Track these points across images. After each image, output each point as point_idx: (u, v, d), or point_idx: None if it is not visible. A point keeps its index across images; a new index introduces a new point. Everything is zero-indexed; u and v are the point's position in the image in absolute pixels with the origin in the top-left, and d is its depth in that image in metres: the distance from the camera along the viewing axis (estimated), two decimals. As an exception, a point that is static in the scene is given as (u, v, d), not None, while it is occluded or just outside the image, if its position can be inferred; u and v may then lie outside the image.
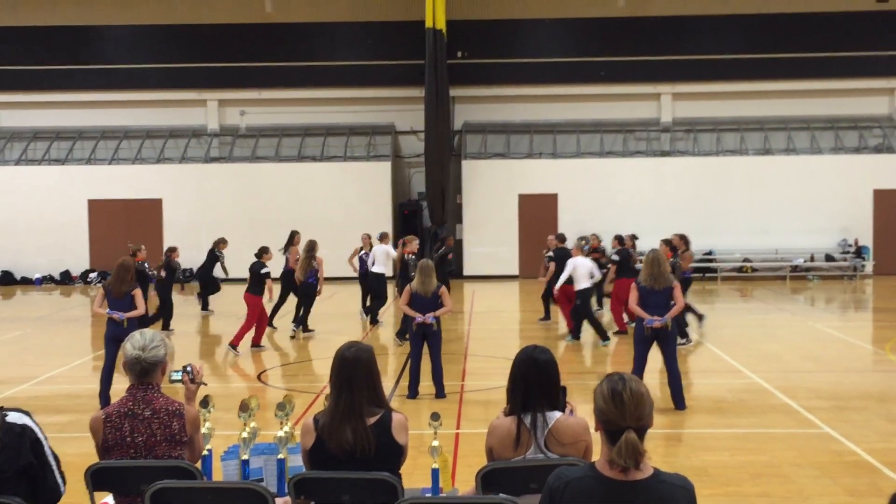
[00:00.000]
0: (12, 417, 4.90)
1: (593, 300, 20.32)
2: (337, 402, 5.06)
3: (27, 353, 17.95)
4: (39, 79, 35.00)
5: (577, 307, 18.01)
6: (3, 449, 4.75)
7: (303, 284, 19.20)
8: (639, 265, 19.63)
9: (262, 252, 17.98)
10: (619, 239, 20.12)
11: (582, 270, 17.84)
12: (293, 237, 20.66)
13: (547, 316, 20.57)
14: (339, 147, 34.41)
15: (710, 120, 34.54)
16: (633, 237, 21.71)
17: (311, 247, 19.14)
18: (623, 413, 3.72)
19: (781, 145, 33.90)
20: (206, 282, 23.22)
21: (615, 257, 19.45)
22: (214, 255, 22.62)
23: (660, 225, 31.83)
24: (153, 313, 20.19)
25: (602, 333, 17.80)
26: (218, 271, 23.02)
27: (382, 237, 21.43)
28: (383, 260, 20.75)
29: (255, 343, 17.71)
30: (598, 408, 3.81)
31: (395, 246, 21.01)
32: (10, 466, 4.77)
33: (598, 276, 18.20)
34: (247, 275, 17.67)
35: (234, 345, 17.24)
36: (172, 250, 20.96)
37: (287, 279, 20.25)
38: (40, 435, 4.96)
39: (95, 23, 35.19)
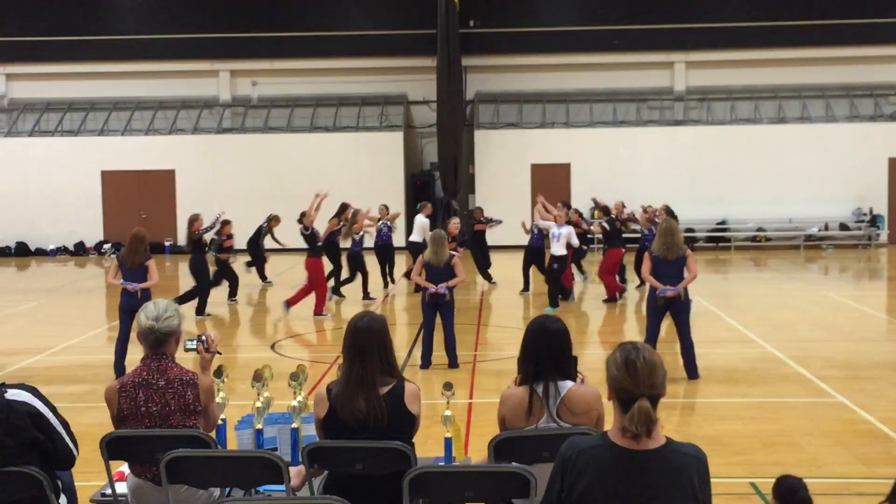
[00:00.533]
0: (11, 394, 4.95)
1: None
2: (350, 371, 5.07)
3: (42, 324, 18.05)
4: (52, 50, 34.98)
5: (555, 271, 18.12)
6: (4, 425, 4.80)
7: (349, 254, 19.85)
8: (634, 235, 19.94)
9: (303, 216, 18.41)
10: (604, 209, 20.51)
11: (561, 239, 18.09)
12: (343, 209, 20.42)
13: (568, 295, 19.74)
14: (351, 117, 34.35)
15: (723, 88, 34.34)
16: (621, 205, 21.70)
17: (353, 215, 19.89)
18: (636, 381, 3.73)
19: (796, 114, 33.70)
20: (253, 254, 22.71)
21: (606, 225, 19.64)
22: (261, 228, 22.23)
23: (673, 194, 31.72)
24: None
25: (564, 293, 18.69)
26: (268, 244, 22.61)
27: (422, 207, 21.79)
28: (420, 231, 21.08)
29: (318, 312, 17.86)
30: (611, 376, 3.81)
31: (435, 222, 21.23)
32: (13, 442, 4.82)
33: (575, 243, 18.45)
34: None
35: (289, 302, 17.85)
36: (227, 223, 20.85)
37: (331, 250, 20.19)
38: (42, 408, 5.00)
39: (107, -7, 35.14)
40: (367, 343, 5.05)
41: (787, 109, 33.74)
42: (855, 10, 33.54)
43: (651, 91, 34.53)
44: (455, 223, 19.07)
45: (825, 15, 33.58)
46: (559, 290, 18.42)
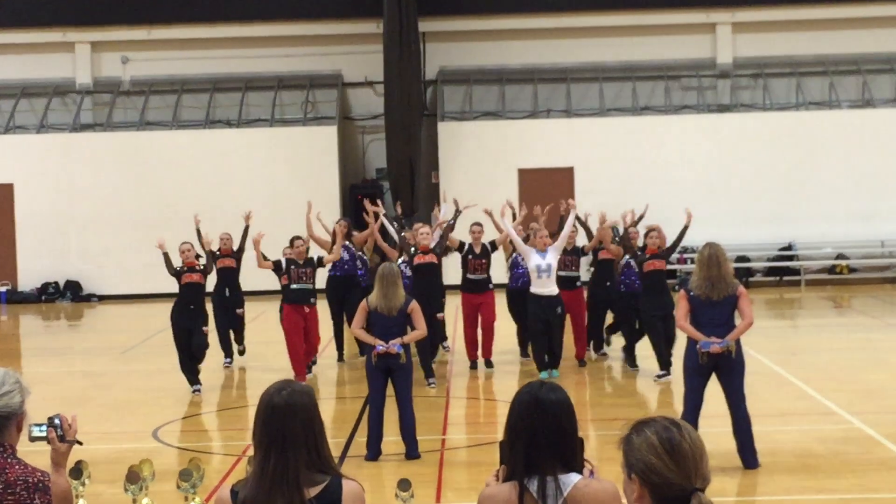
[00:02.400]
0: None
1: None
2: (264, 466, 5.05)
3: None
4: None
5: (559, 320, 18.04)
6: None
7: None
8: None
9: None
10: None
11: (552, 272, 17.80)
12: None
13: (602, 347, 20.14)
14: (263, 106, 34.32)
15: (786, 60, 34.60)
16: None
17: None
18: (687, 470, 3.77)
19: (888, 94, 34.00)
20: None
21: None
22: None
23: (719, 208, 31.87)
24: None
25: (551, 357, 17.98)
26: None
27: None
28: None
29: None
30: (646, 466, 3.81)
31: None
32: None
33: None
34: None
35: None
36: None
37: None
38: None
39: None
40: (287, 426, 5.04)
41: (876, 88, 34.03)
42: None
43: (685, 65, 34.76)
44: (424, 232, 18.52)
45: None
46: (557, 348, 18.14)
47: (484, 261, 19.07)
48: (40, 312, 31.16)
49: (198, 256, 18.08)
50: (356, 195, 33.89)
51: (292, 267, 17.95)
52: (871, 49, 34.43)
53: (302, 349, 18.03)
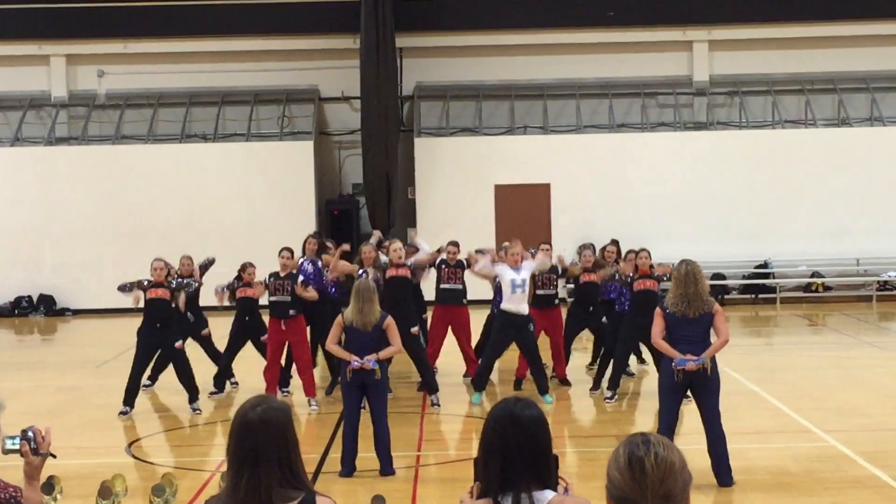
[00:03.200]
0: None
1: None
2: (236, 482, 5.03)
3: None
4: None
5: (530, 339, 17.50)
6: None
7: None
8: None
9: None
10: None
11: (526, 287, 17.45)
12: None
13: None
14: (239, 121, 34.25)
15: (762, 78, 34.67)
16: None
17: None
18: (644, 488, 3.74)
19: (863, 113, 34.07)
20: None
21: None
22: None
23: (693, 226, 31.93)
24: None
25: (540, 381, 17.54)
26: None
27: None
28: None
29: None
30: (610, 479, 3.81)
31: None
32: None
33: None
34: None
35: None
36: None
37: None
38: None
39: None
40: (261, 442, 5.02)
41: (852, 107, 34.10)
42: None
43: (662, 82, 34.80)
44: (397, 247, 18.13)
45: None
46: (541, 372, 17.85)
47: (459, 271, 18.78)
48: (13, 326, 31.03)
49: (168, 275, 17.82)
50: (332, 210, 33.89)
51: (271, 279, 17.88)
52: (846, 68, 34.52)
53: (277, 365, 17.92)
